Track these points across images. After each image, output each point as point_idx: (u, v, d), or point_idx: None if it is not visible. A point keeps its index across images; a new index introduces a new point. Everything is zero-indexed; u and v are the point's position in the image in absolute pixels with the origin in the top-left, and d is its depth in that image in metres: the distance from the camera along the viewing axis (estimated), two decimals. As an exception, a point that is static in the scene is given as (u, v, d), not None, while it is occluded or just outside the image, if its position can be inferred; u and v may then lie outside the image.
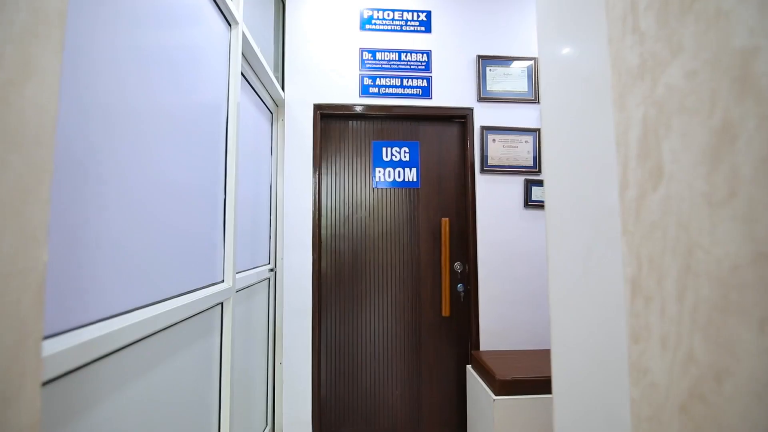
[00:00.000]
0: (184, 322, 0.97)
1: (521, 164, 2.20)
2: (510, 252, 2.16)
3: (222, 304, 1.24)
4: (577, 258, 0.58)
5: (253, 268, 1.71)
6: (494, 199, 2.18)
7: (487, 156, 2.18)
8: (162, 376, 0.86)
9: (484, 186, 2.18)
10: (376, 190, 2.18)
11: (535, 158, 2.21)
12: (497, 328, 2.13)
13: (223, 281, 1.24)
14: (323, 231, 2.14)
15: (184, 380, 0.97)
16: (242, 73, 1.62)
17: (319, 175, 2.11)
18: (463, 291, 2.18)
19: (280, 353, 2.01)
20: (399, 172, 2.20)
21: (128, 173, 0.73)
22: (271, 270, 1.98)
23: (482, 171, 2.18)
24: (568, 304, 0.61)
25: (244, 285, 1.52)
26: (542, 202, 2.16)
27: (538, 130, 2.22)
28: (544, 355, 1.95)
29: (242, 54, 1.55)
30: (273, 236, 2.04)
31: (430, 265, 2.17)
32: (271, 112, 2.07)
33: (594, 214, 0.54)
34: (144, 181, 0.78)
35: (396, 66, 2.19)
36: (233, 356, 1.30)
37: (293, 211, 2.07)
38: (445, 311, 2.09)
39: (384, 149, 2.20)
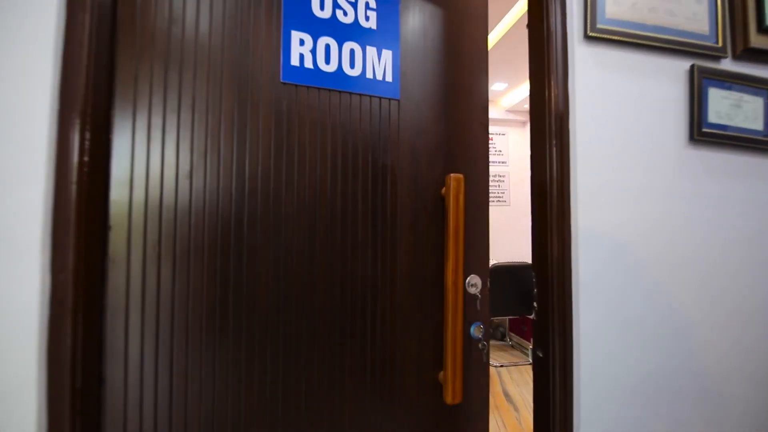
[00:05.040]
0: None
1: (682, 28, 0.85)
2: (657, 258, 0.82)
3: None
4: None
5: None
6: (615, 115, 0.82)
7: (601, 2, 0.81)
8: None
9: (593, 77, 0.81)
10: (290, 90, 0.74)
11: (714, 18, 0.86)
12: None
13: None
14: (119, 192, 0.67)
15: None
16: None
17: (111, 20, 0.63)
18: (542, 354, 0.82)
19: None
20: (351, 51, 0.77)
21: None
22: None
23: (587, 37, 0.81)
24: None
25: None
26: (738, 131, 0.84)
27: (719, -54, 0.87)
28: None
29: None
30: None
31: (420, 284, 0.79)
32: None
33: None
34: None
35: None
36: None
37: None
38: (453, 395, 0.72)
39: (320, -32, 0.76)
